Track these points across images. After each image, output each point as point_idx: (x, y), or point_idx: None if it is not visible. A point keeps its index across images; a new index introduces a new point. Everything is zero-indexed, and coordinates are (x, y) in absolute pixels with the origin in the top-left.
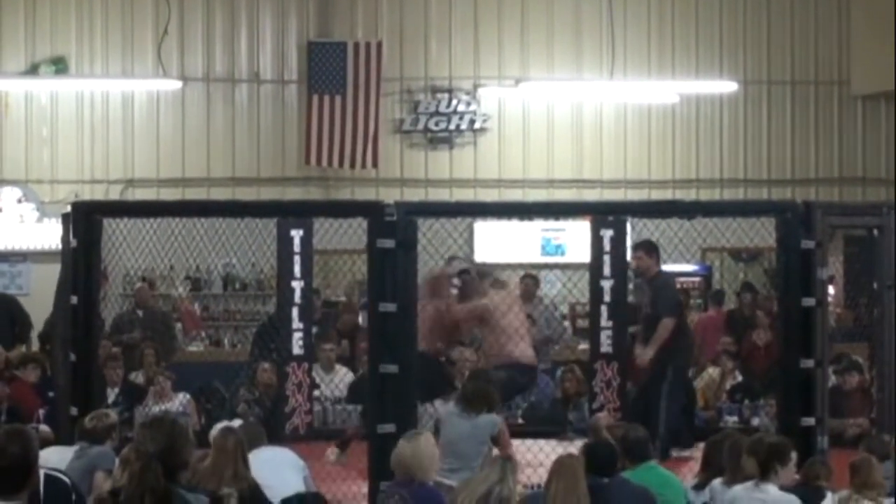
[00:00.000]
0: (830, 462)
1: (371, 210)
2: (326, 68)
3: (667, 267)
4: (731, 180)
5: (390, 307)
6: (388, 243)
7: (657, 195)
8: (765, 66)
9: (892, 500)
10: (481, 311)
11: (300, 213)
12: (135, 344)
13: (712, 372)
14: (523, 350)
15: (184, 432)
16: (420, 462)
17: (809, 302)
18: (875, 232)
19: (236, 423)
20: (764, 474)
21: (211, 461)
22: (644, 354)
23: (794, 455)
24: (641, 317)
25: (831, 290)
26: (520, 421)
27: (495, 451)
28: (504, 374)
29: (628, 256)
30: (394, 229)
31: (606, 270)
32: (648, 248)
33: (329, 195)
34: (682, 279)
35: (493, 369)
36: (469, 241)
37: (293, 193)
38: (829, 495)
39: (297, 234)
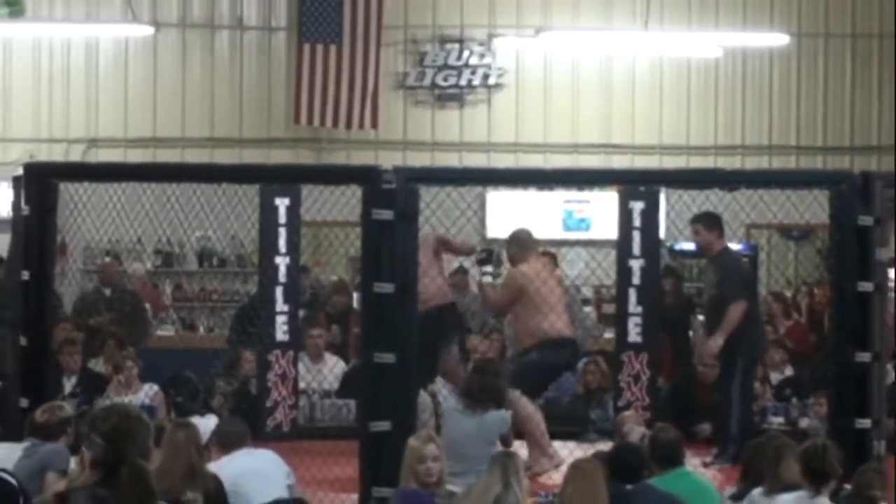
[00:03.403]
0: (888, 470)
1: (366, 176)
2: (320, 13)
3: None
4: (781, 147)
5: (387, 287)
6: (386, 214)
7: (696, 163)
8: (822, 15)
9: None
10: (518, 285)
11: (286, 178)
12: (100, 328)
13: None
14: (553, 323)
15: (138, 425)
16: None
17: (867, 286)
18: None
19: (212, 419)
20: (817, 485)
21: (161, 459)
22: (714, 344)
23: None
24: (705, 301)
25: (893, 273)
26: None
27: None
28: (535, 356)
29: (661, 232)
30: (392, 198)
31: (636, 249)
32: (708, 222)
33: (321, 159)
34: None
35: (522, 353)
36: (480, 214)
37: (280, 156)
38: None
39: (282, 203)
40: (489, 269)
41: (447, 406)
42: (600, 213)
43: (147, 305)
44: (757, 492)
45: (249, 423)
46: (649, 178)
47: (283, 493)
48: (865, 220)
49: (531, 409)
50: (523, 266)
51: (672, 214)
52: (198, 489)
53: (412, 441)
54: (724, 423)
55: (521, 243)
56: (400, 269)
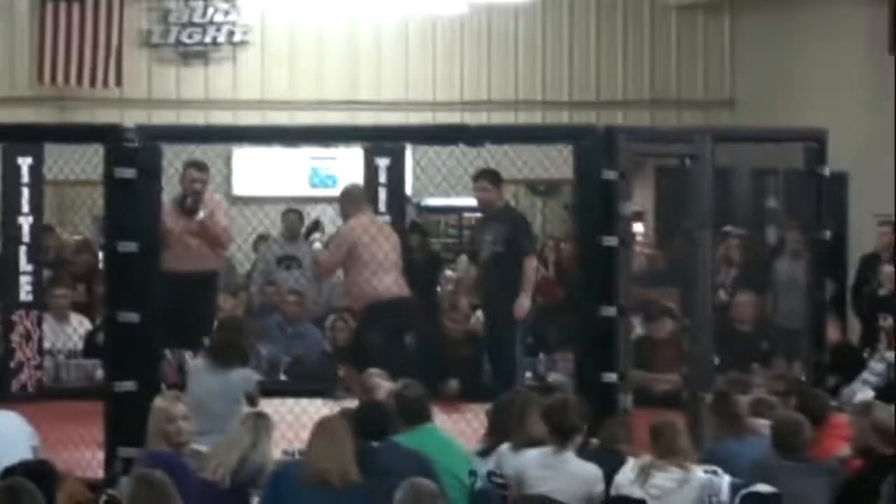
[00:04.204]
0: (634, 423)
1: (108, 134)
2: None
3: (453, 201)
4: (527, 102)
5: (131, 246)
6: (129, 173)
7: (443, 119)
8: None
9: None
10: (349, 240)
11: (28, 137)
12: None
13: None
14: (382, 280)
15: None
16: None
17: (611, 241)
18: (688, 161)
19: None
20: (562, 441)
21: None
22: (524, 304)
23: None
24: (484, 257)
25: (639, 227)
26: (282, 377)
27: None
28: (367, 331)
29: (407, 189)
30: (135, 157)
31: (382, 205)
32: (493, 178)
33: (65, 118)
34: (469, 216)
35: (360, 318)
36: (225, 171)
37: (24, 115)
38: (630, 461)
39: (24, 163)
40: (317, 235)
41: (192, 365)
42: (347, 169)
43: None
44: (504, 447)
45: None
46: (394, 135)
47: (26, 455)
48: (609, 175)
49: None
50: (352, 221)
51: (417, 170)
52: None
53: (159, 401)
54: (509, 374)
55: (350, 198)
56: (143, 227)
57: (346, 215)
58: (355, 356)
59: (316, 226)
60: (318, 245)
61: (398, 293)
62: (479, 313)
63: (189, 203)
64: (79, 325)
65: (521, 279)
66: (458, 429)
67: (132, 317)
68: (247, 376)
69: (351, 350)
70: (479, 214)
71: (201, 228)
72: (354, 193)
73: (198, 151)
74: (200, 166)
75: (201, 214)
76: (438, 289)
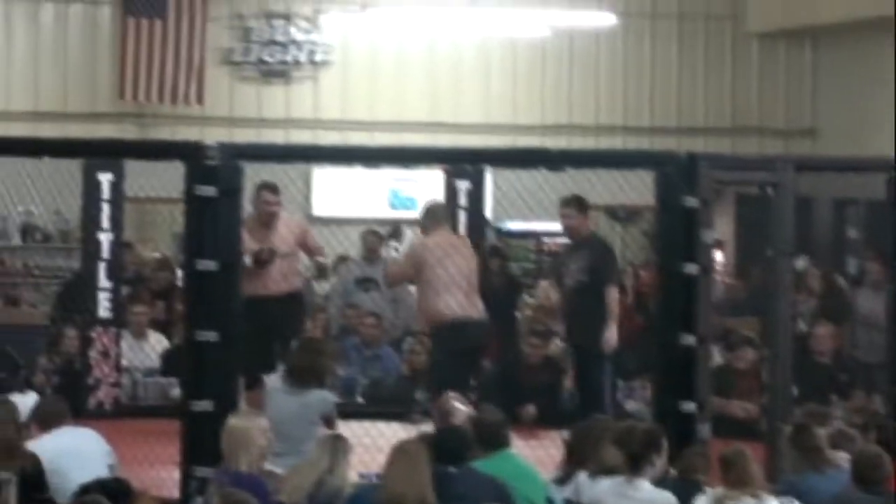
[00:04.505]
0: (712, 453)
1: (189, 152)
2: None
3: (533, 225)
4: (608, 127)
5: (210, 265)
6: (209, 191)
7: (523, 142)
8: None
9: (775, 498)
10: (417, 255)
11: (108, 153)
12: None
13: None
14: (448, 303)
15: None
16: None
17: (692, 269)
18: (770, 190)
19: (31, 396)
20: (634, 468)
21: None
22: (611, 337)
23: (665, 445)
24: (569, 287)
25: (719, 255)
26: (359, 400)
27: None
28: (436, 353)
29: (487, 213)
30: (216, 175)
31: (461, 229)
32: (579, 205)
33: (146, 135)
34: (549, 241)
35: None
36: (305, 191)
37: (105, 132)
38: (707, 491)
39: (105, 179)
40: (394, 243)
41: (271, 386)
42: (427, 192)
43: None
44: (582, 475)
45: (72, 402)
46: (475, 158)
47: (103, 473)
48: (691, 202)
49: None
50: (426, 237)
51: (498, 194)
52: (14, 468)
53: (235, 420)
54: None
55: (429, 214)
56: (223, 246)
57: (424, 232)
58: (429, 378)
59: (396, 232)
60: (394, 253)
61: (464, 314)
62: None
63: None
64: (157, 343)
65: (606, 310)
66: (536, 455)
67: (211, 336)
68: (324, 398)
69: (426, 372)
70: (559, 239)
71: (301, 242)
72: (433, 210)
73: (278, 171)
74: (273, 189)
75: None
76: (518, 314)
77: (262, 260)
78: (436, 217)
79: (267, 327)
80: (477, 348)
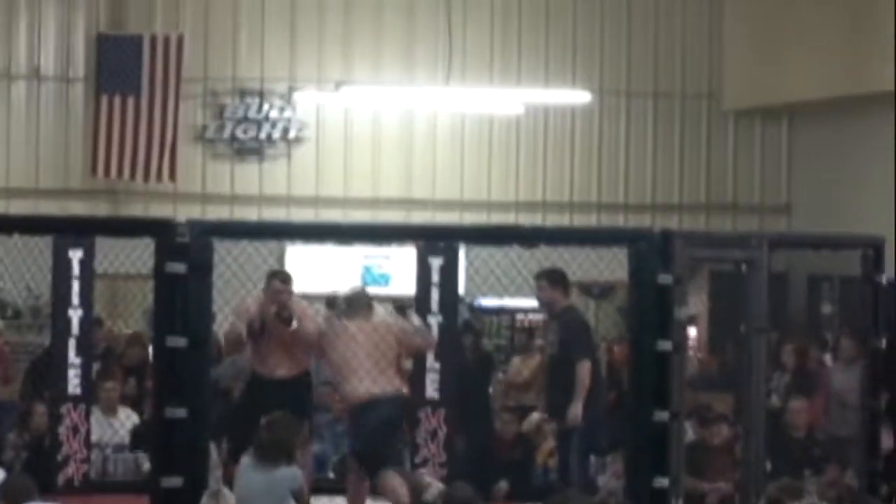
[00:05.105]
0: None
1: (159, 229)
2: (118, 64)
3: (506, 301)
4: (583, 204)
5: (180, 341)
6: (179, 268)
7: (497, 219)
8: (623, 74)
9: None
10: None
11: (79, 230)
12: None
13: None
14: (355, 386)
15: None
16: None
17: (666, 346)
18: (744, 267)
19: (0, 472)
20: None
21: None
22: (575, 411)
23: None
24: (547, 359)
25: (693, 332)
26: (330, 475)
27: None
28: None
29: (460, 289)
30: (186, 252)
31: (434, 305)
32: (553, 278)
33: (118, 211)
34: (522, 317)
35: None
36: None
37: (77, 208)
38: None
39: (75, 256)
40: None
41: (241, 462)
42: (400, 268)
43: None
44: None
45: (41, 478)
46: (448, 234)
47: None
48: (665, 279)
49: (394, 483)
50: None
51: (471, 271)
52: None
53: (206, 500)
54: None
55: (350, 302)
56: (193, 322)
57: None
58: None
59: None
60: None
61: (379, 391)
62: (534, 415)
63: (285, 315)
64: (126, 419)
65: (575, 384)
66: None
67: (180, 412)
68: (293, 474)
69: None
70: (532, 316)
71: (295, 339)
72: (353, 298)
73: (250, 248)
74: (284, 278)
75: (294, 325)
76: (490, 389)
77: (284, 320)
78: (355, 304)
79: (272, 407)
80: (394, 422)
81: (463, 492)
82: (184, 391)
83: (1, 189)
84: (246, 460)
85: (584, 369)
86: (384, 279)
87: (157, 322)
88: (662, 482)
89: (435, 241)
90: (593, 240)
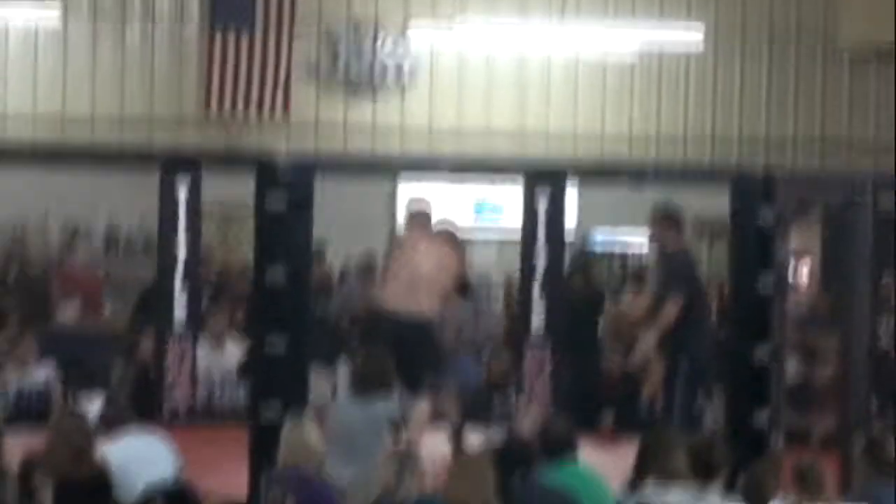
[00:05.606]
0: (785, 465)
1: (260, 162)
2: (232, 3)
3: (616, 237)
4: (696, 137)
5: (280, 274)
6: (280, 202)
7: (610, 152)
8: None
9: None
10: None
11: (180, 162)
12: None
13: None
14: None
15: None
16: (305, 453)
17: (766, 284)
18: (851, 206)
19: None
20: (705, 478)
21: (48, 443)
22: (641, 346)
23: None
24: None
25: (805, 270)
26: None
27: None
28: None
29: (570, 223)
30: (286, 186)
31: (541, 239)
32: (666, 216)
33: (231, 142)
34: (636, 252)
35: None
36: (390, 204)
37: (191, 139)
38: (779, 501)
39: (182, 187)
40: None
41: (338, 397)
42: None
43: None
44: (649, 484)
45: (147, 407)
46: (551, 172)
47: (169, 478)
48: (766, 219)
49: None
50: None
51: (584, 206)
52: (84, 474)
53: (291, 425)
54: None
55: (409, 217)
56: (293, 255)
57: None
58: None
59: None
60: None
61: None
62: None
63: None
64: (234, 349)
65: (657, 319)
66: (612, 462)
67: (280, 343)
68: (390, 406)
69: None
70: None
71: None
72: (412, 214)
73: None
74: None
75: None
76: (600, 323)
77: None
78: (413, 220)
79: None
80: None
81: (558, 425)
82: (283, 323)
83: (116, 121)
84: (342, 395)
85: (670, 306)
86: (497, 210)
87: (258, 254)
88: (762, 417)
89: (540, 179)
90: (695, 178)
